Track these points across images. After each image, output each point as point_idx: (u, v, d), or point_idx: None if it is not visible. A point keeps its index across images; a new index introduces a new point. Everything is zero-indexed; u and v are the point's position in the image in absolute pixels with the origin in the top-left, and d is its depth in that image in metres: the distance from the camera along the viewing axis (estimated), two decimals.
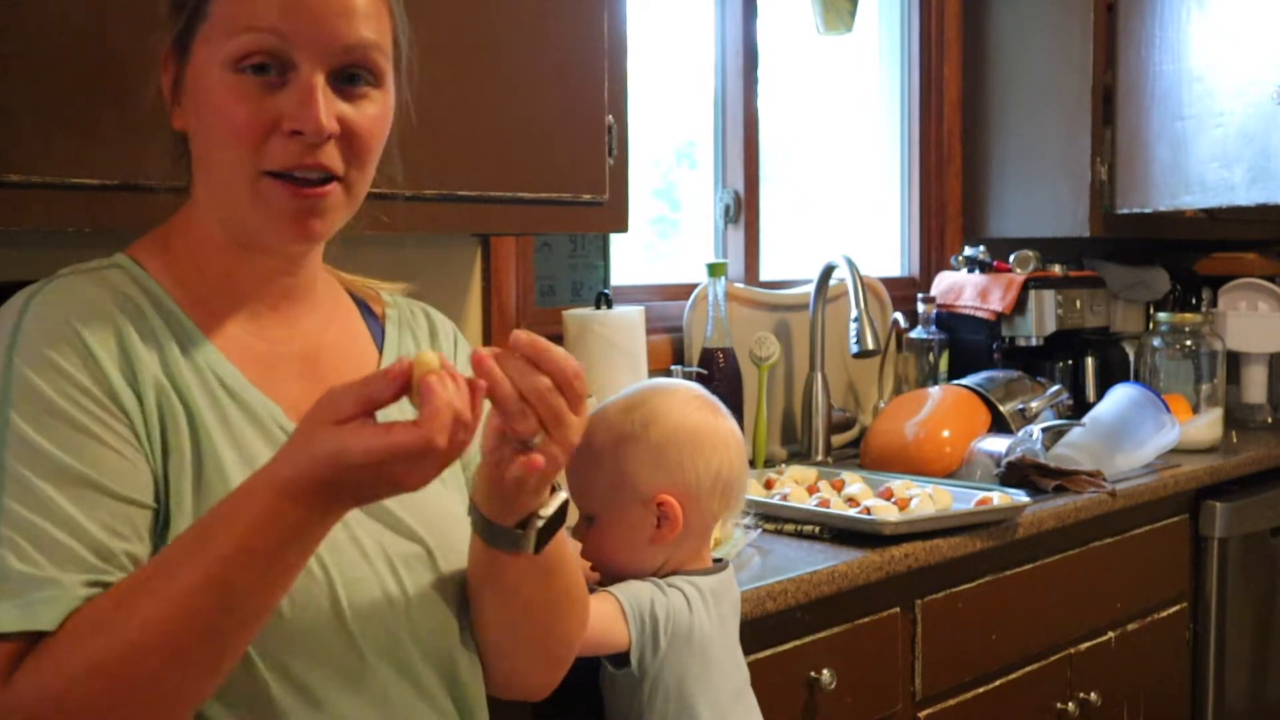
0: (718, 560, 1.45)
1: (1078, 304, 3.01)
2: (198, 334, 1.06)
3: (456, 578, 1.14)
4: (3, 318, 1.01)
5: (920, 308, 2.85)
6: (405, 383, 0.89)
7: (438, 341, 1.25)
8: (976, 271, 2.99)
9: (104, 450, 0.96)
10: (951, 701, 2.02)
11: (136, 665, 0.88)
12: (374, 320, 1.22)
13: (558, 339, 2.24)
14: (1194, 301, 3.47)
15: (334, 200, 1.04)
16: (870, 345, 2.48)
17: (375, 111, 1.05)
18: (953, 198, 3.19)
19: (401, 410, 0.92)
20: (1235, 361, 3.22)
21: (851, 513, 1.95)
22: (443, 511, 1.15)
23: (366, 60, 1.04)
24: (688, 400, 1.41)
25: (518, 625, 1.14)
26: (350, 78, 1.03)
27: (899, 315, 2.85)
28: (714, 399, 1.44)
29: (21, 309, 1.00)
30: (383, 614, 1.06)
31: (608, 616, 1.31)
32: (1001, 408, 2.54)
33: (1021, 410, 2.57)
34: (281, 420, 1.07)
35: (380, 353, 1.19)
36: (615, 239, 2.47)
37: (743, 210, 2.76)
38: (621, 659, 1.33)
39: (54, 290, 1.02)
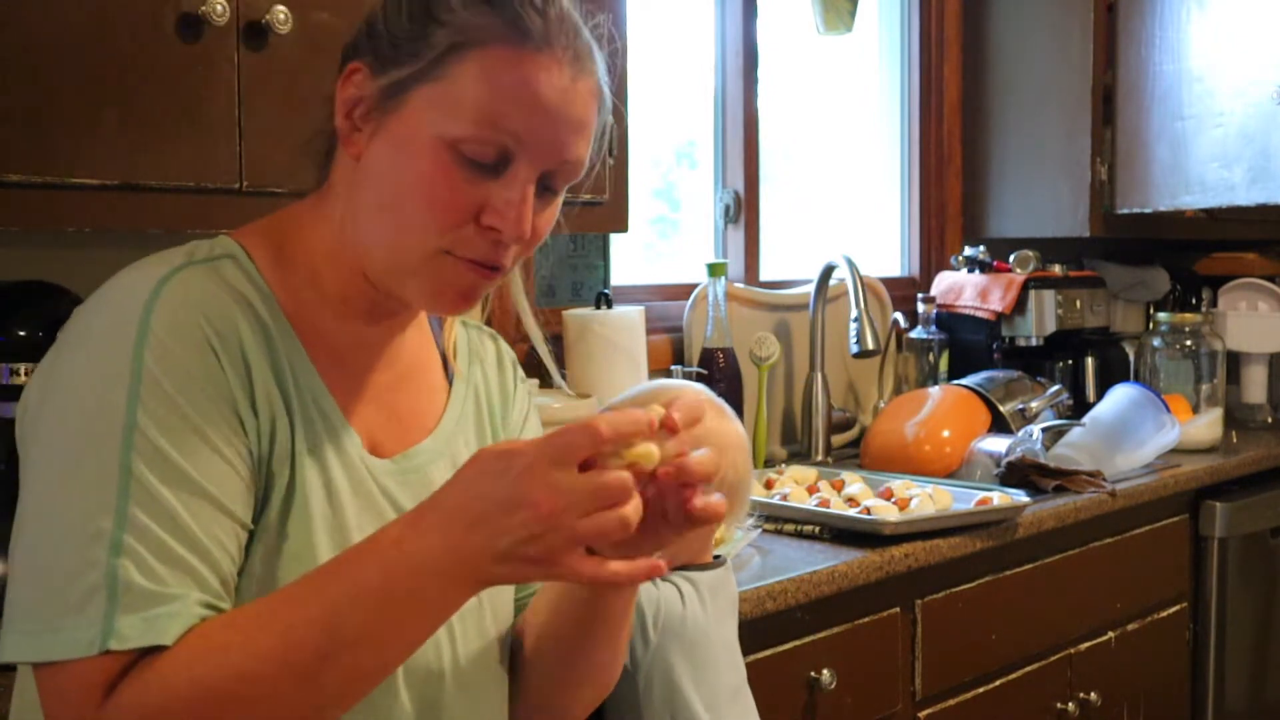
0: (716, 557, 1.45)
1: (1078, 304, 3.01)
2: (303, 352, 1.03)
3: (501, 626, 1.15)
4: (119, 305, 0.96)
5: (920, 308, 2.85)
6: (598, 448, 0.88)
7: (504, 372, 1.23)
8: (976, 271, 2.99)
9: (224, 466, 0.94)
10: (951, 701, 2.02)
11: (239, 695, 0.86)
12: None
13: (558, 339, 2.25)
14: (1194, 301, 3.46)
15: (495, 282, 1.04)
16: (870, 345, 2.48)
17: (551, 215, 1.05)
18: (953, 198, 3.19)
19: None
20: (1235, 361, 3.22)
21: (851, 513, 1.95)
22: None
23: (570, 174, 1.03)
24: None
25: (595, 666, 1.15)
26: (547, 185, 1.02)
27: (899, 315, 2.85)
28: (721, 401, 1.43)
29: (147, 302, 0.94)
30: (430, 666, 1.06)
31: None
32: (1001, 408, 2.54)
33: (1021, 410, 2.57)
34: (360, 451, 1.05)
35: (450, 385, 1.17)
36: (615, 239, 2.46)
37: (743, 210, 2.76)
38: None
39: (181, 286, 0.97)
